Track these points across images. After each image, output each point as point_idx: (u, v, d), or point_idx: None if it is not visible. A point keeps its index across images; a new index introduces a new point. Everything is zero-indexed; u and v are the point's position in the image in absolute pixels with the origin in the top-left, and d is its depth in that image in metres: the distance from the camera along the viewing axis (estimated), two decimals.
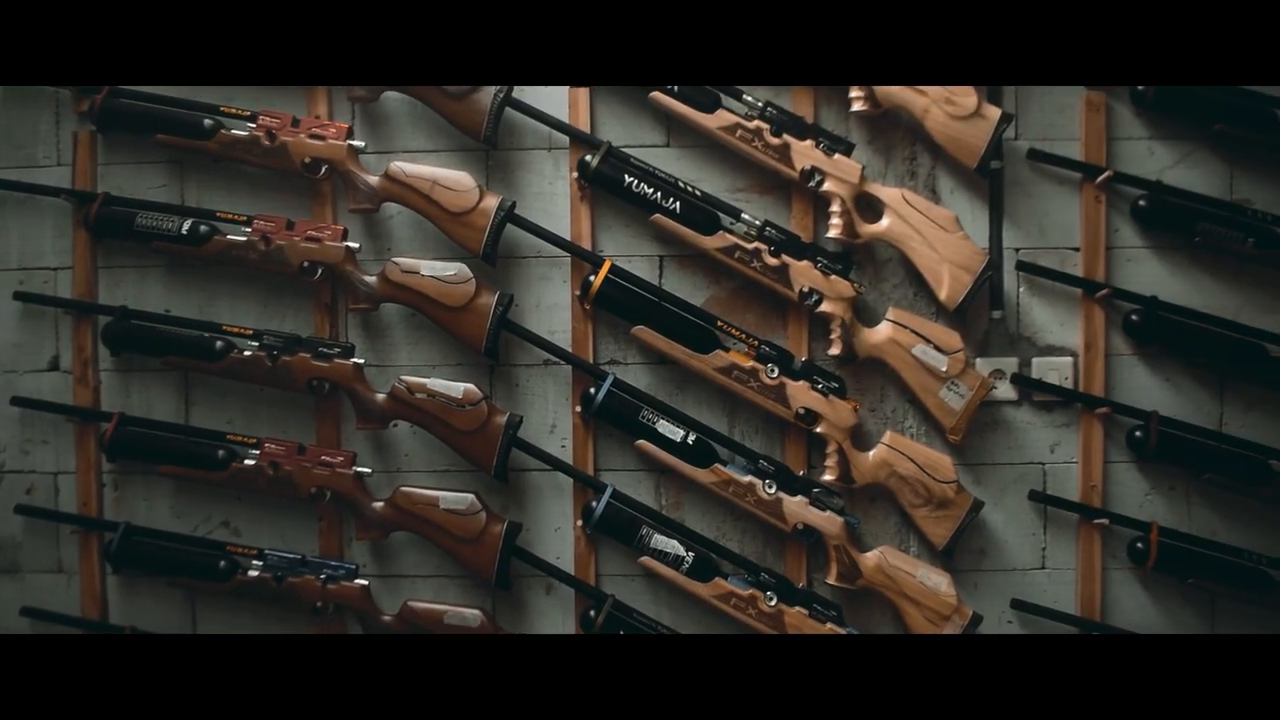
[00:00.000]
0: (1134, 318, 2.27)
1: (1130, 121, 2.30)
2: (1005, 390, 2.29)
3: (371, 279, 2.23)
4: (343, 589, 2.24)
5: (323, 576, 2.25)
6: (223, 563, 2.26)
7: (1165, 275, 2.30)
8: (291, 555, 2.26)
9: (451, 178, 2.23)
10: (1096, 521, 2.32)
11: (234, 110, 2.26)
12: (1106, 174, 2.26)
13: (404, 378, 2.22)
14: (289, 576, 2.24)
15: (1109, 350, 2.30)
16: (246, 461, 2.24)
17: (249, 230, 2.24)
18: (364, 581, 2.24)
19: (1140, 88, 2.25)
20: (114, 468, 2.35)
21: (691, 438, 2.24)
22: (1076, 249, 2.29)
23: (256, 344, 2.25)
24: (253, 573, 2.25)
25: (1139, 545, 2.31)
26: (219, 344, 2.25)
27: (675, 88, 2.24)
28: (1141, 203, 2.27)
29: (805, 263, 2.23)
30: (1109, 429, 2.31)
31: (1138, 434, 2.29)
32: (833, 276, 2.22)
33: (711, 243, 2.22)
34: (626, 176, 2.24)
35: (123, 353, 2.30)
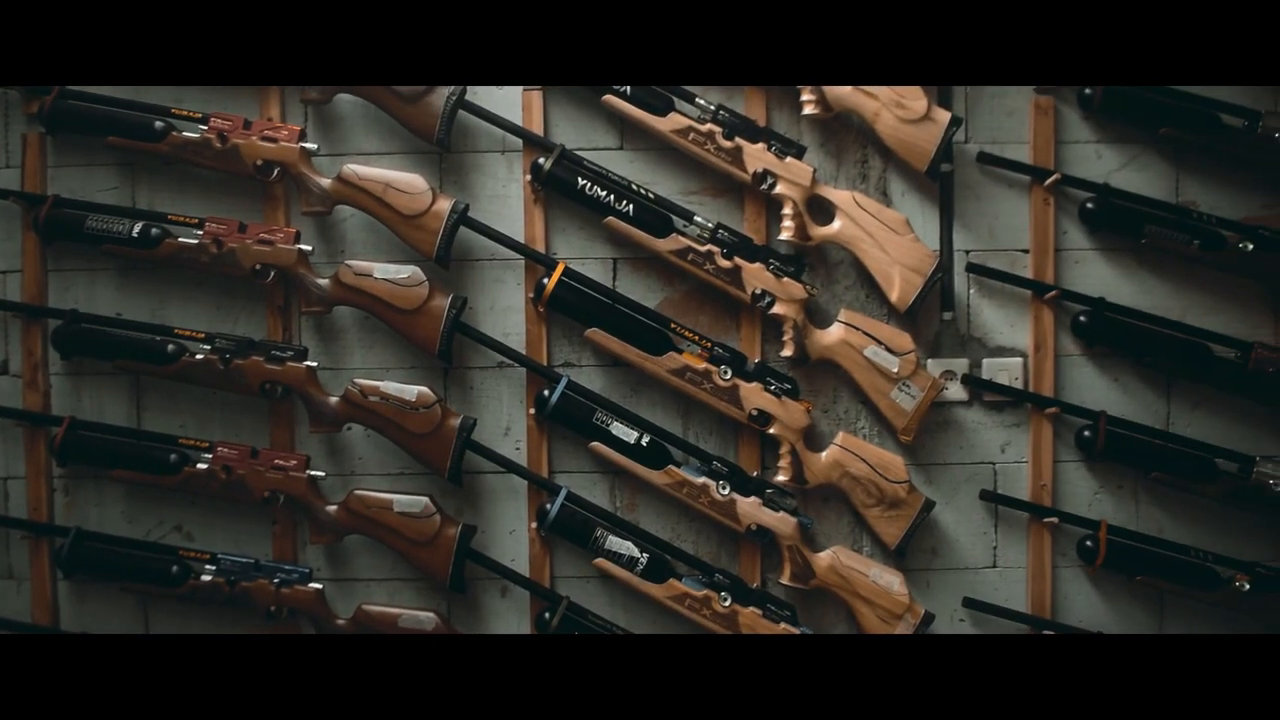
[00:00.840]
0: (1082, 319, 2.29)
1: (1078, 125, 2.33)
2: (956, 391, 2.31)
3: (324, 282, 2.22)
4: (296, 593, 2.23)
5: (276, 580, 2.24)
6: (175, 567, 2.24)
7: (1113, 277, 2.33)
8: (245, 559, 2.25)
9: (404, 180, 2.22)
10: (1046, 520, 2.35)
11: (185, 112, 2.24)
12: (1055, 177, 2.29)
13: (357, 381, 2.22)
14: (242, 581, 2.23)
15: (1058, 351, 2.32)
16: (199, 466, 2.23)
17: (200, 233, 2.23)
18: (318, 585, 2.23)
19: (1087, 91, 2.28)
20: (65, 472, 2.32)
21: (645, 439, 2.25)
22: (1026, 251, 2.32)
23: (209, 347, 2.23)
24: (206, 577, 2.23)
25: (1088, 543, 2.34)
26: (171, 347, 2.23)
27: (628, 91, 2.24)
28: (1089, 205, 2.30)
29: (758, 265, 2.24)
30: (1058, 429, 2.33)
31: (1086, 434, 2.32)
32: (785, 279, 2.23)
33: (665, 245, 2.23)
34: (580, 179, 2.24)
35: (73, 356, 2.28)
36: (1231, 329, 2.33)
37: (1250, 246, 2.34)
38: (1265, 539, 2.39)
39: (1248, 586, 2.33)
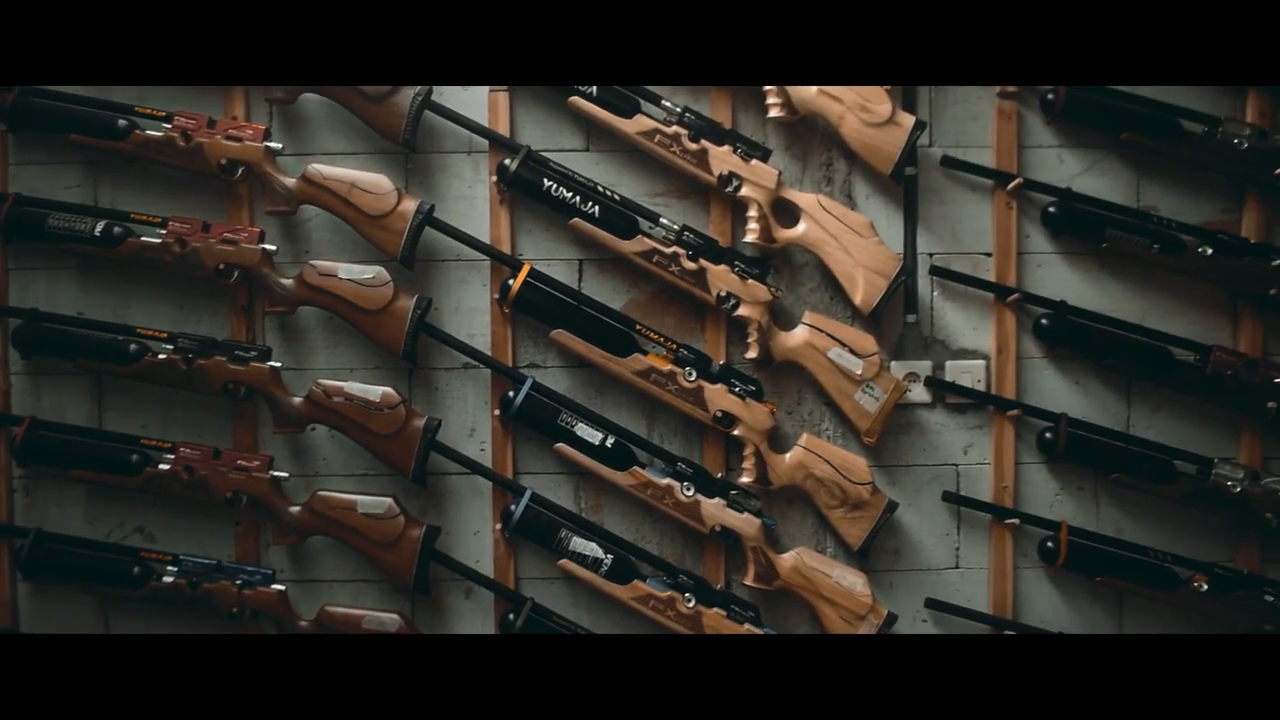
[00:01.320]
0: (1044, 322, 2.31)
1: (1041, 130, 2.35)
2: (919, 393, 2.32)
3: (288, 282, 2.21)
4: (259, 594, 2.22)
5: (239, 582, 2.22)
6: (137, 569, 2.22)
7: (1074, 280, 2.35)
8: (207, 561, 2.23)
9: (369, 180, 2.22)
10: (1008, 521, 2.36)
11: (149, 110, 2.22)
12: (1018, 181, 2.30)
13: (321, 381, 2.21)
14: (204, 582, 2.21)
15: (1020, 353, 2.34)
16: (161, 466, 2.21)
17: (164, 232, 2.21)
18: (281, 586, 2.22)
19: (1050, 96, 2.30)
20: (25, 473, 2.30)
21: (610, 441, 2.25)
22: (989, 254, 2.33)
23: (171, 347, 2.21)
24: (167, 579, 2.21)
25: (1049, 544, 2.36)
26: (133, 347, 2.21)
27: (594, 92, 2.24)
28: (1051, 209, 2.32)
29: (723, 267, 2.24)
30: (1020, 431, 2.35)
31: (1048, 435, 2.33)
32: (750, 281, 2.24)
33: (630, 247, 2.23)
34: (545, 180, 2.24)
35: (33, 356, 2.26)
36: (1191, 332, 2.35)
37: (1209, 251, 2.37)
38: (1223, 540, 2.42)
39: (1205, 587, 2.35)
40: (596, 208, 2.25)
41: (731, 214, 2.30)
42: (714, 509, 2.25)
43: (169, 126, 2.23)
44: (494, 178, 2.27)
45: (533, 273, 2.25)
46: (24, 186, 2.30)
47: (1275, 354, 2.39)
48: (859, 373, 2.26)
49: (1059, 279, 2.34)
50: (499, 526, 2.28)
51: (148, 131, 2.23)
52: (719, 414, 2.24)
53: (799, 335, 2.27)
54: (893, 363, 2.31)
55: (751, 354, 2.26)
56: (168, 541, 2.32)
